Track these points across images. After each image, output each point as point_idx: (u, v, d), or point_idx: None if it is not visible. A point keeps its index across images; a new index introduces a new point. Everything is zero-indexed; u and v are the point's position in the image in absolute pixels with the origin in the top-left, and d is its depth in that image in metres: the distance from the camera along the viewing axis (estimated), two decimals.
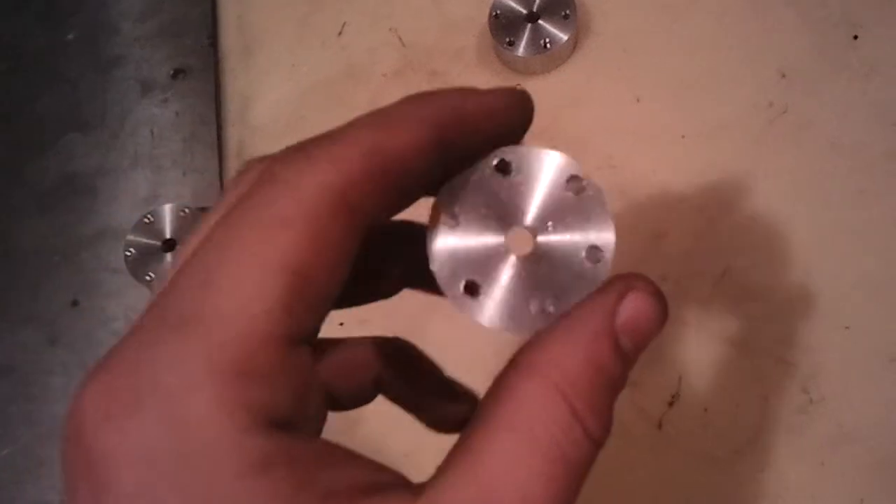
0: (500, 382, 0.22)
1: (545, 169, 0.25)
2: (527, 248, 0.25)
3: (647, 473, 0.47)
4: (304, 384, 0.21)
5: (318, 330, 0.22)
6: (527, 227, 0.25)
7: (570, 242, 0.25)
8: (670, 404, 0.48)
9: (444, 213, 0.25)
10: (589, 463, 0.22)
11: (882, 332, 0.48)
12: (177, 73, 0.60)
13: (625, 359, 0.23)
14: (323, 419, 0.23)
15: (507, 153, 0.25)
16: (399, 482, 0.21)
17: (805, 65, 0.54)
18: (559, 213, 0.25)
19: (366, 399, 0.29)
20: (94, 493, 0.19)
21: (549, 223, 0.25)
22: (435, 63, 0.58)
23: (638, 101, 0.55)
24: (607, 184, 0.52)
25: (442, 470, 0.21)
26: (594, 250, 0.25)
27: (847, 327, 0.48)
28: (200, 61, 0.60)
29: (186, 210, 0.54)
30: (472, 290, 0.25)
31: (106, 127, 0.59)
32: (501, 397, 0.22)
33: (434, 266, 0.25)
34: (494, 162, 0.25)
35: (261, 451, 0.19)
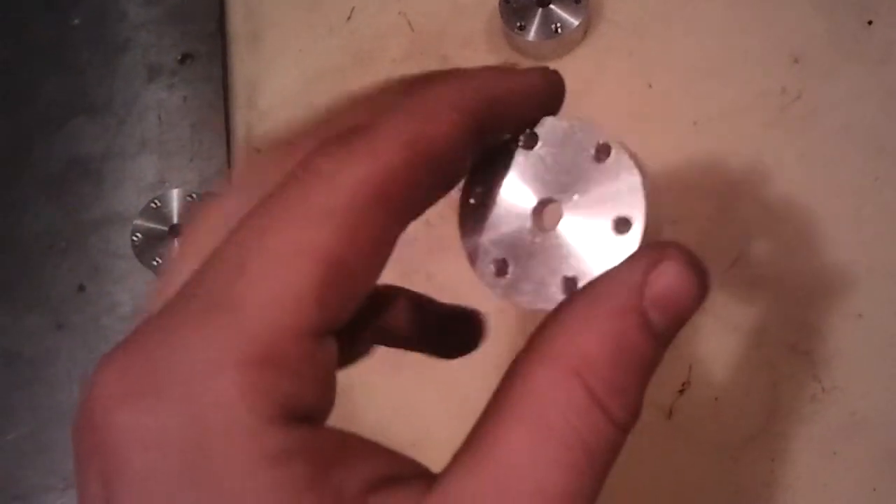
0: (515, 368, 0.21)
1: (572, 138, 0.24)
2: (554, 223, 0.24)
3: (657, 462, 0.47)
4: (328, 376, 0.20)
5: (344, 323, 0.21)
6: (553, 201, 0.24)
7: (598, 214, 0.23)
8: (681, 392, 0.48)
9: (472, 191, 0.25)
10: (614, 449, 0.21)
11: (894, 319, 0.47)
12: (184, 59, 0.60)
13: (657, 337, 0.21)
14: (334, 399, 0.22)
15: (535, 126, 0.25)
16: (415, 472, 0.20)
17: (818, 50, 0.53)
18: (586, 183, 0.24)
19: (363, 353, 0.28)
20: (104, 477, 0.18)
21: (576, 195, 0.24)
22: (445, 48, 0.58)
23: (650, 86, 0.54)
24: None
25: (455, 460, 0.20)
26: (622, 221, 0.23)
27: (860, 315, 0.48)
28: (208, 46, 0.59)
29: (193, 195, 0.53)
30: (501, 268, 0.24)
31: (113, 112, 0.59)
32: (515, 384, 0.21)
33: (464, 245, 0.24)
34: (522, 137, 0.25)
35: (280, 443, 0.18)
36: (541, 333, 0.21)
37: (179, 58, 0.60)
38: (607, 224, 0.23)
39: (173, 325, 0.19)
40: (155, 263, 0.52)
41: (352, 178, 0.20)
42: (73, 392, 0.53)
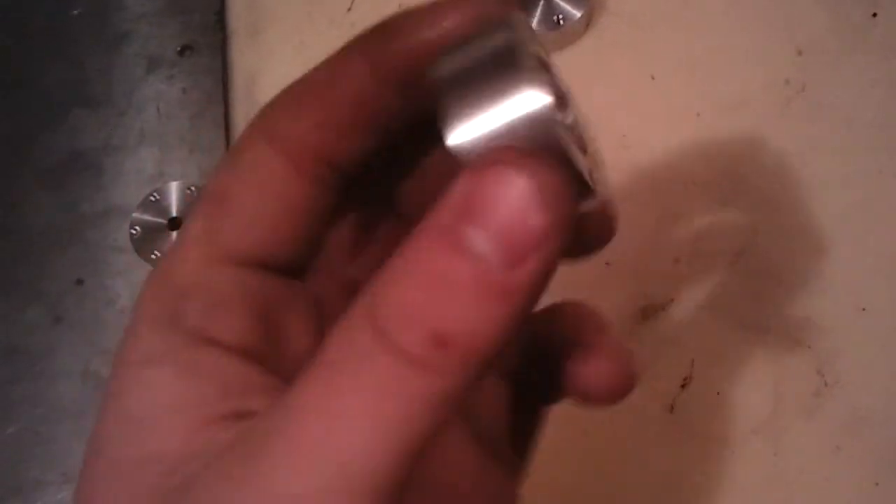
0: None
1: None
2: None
3: (658, 457, 0.47)
4: (231, 299, 0.22)
5: (276, 252, 0.23)
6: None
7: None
8: (683, 387, 0.48)
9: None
10: (421, 392, 0.17)
11: None
12: (184, 50, 0.59)
13: (474, 255, 0.17)
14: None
15: None
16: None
17: (823, 42, 0.53)
18: None
19: None
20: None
21: None
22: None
23: (652, 78, 0.54)
24: (621, 163, 0.51)
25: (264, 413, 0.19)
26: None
27: (864, 309, 0.47)
28: (208, 38, 0.59)
29: (193, 188, 0.53)
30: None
31: (112, 104, 0.58)
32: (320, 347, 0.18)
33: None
34: None
35: (150, 347, 0.21)
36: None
37: (179, 49, 0.59)
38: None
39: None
40: (154, 257, 0.52)
41: (246, 133, 0.23)
42: (72, 385, 0.52)
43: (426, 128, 0.21)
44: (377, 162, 0.24)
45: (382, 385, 0.17)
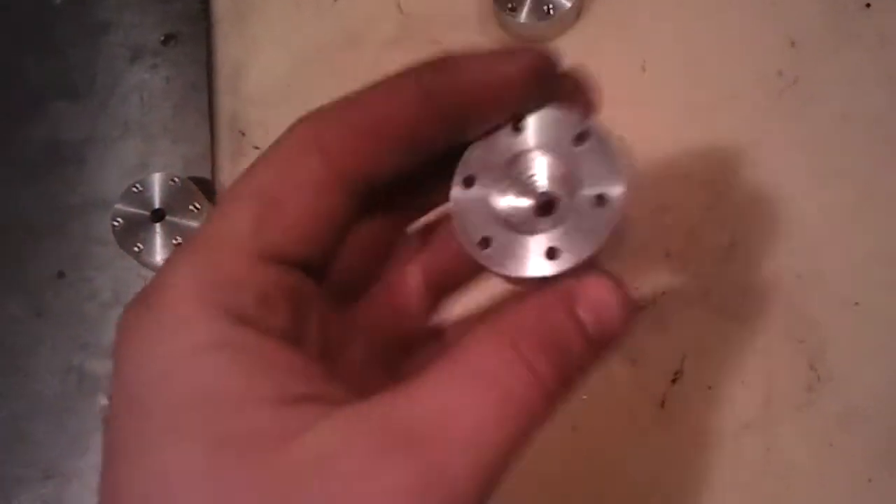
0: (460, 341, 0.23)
1: (555, 126, 0.26)
2: (536, 204, 0.26)
3: (649, 452, 0.46)
4: (275, 294, 0.23)
5: (309, 254, 0.25)
6: (537, 184, 0.26)
7: (579, 194, 0.25)
8: (673, 382, 0.47)
9: (461, 174, 0.26)
10: (538, 407, 0.22)
11: (893, 308, 0.47)
12: (167, 39, 0.58)
13: (587, 337, 0.23)
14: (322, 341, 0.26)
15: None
16: (334, 397, 0.22)
17: (816, 33, 0.52)
18: (568, 168, 0.25)
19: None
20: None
21: (559, 179, 0.26)
22: (434, 31, 0.56)
23: (643, 70, 0.53)
24: None
25: (393, 392, 0.22)
26: (601, 198, 0.24)
27: (857, 303, 0.47)
28: (192, 27, 0.58)
29: (176, 179, 0.52)
30: (486, 243, 0.26)
31: (94, 94, 0.57)
32: (458, 346, 0.22)
33: (453, 221, 0.26)
34: (508, 125, 0.26)
35: (217, 334, 0.22)
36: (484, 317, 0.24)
37: (162, 39, 0.58)
38: (587, 201, 0.25)
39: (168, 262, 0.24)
40: (136, 249, 0.51)
41: (290, 137, 0.25)
42: (53, 380, 0.51)
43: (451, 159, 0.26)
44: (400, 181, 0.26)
45: (512, 387, 0.21)
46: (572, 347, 0.23)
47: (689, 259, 0.49)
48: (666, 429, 0.46)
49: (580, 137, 0.25)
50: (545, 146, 0.26)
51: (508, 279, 0.25)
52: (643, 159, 0.51)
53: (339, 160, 0.24)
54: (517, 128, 0.26)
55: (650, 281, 0.49)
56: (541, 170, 0.26)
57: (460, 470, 0.20)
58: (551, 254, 0.24)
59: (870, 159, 0.49)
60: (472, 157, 0.26)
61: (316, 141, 0.24)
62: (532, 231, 0.25)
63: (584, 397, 0.46)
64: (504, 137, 0.26)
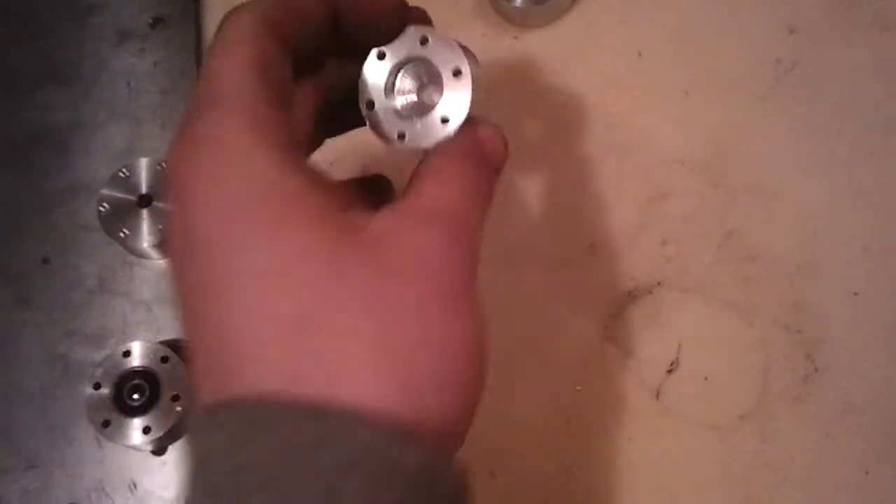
0: (426, 162, 0.33)
1: (403, 42, 0.36)
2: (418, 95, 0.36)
3: (644, 444, 0.45)
4: (288, 101, 0.32)
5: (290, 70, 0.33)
6: (413, 84, 0.36)
7: (443, 75, 0.35)
8: (669, 372, 0.46)
9: (362, 101, 0.36)
10: (486, 191, 0.33)
11: (891, 298, 0.46)
12: (155, 23, 0.57)
13: (488, 163, 0.35)
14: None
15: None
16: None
17: (814, 20, 0.51)
18: (427, 65, 0.36)
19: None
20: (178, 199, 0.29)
21: (425, 74, 0.36)
22: (429, 12, 0.55)
23: (640, 55, 0.52)
24: (607, 143, 0.50)
25: (399, 196, 0.32)
26: (457, 72, 0.34)
27: (855, 293, 0.46)
28: (180, 10, 0.57)
29: (163, 164, 0.51)
30: (402, 137, 0.35)
31: (80, 78, 0.56)
32: (425, 174, 0.33)
33: (372, 131, 0.36)
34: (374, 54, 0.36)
35: (283, 139, 0.30)
36: (440, 154, 0.34)
37: (150, 22, 0.57)
38: (449, 75, 0.34)
39: (195, 115, 0.31)
40: (122, 235, 0.50)
41: (253, 18, 0.32)
42: (37, 368, 0.50)
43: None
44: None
45: (474, 180, 0.33)
46: (488, 162, 0.35)
47: (686, 247, 0.48)
48: (661, 420, 0.46)
49: (423, 41, 0.35)
50: (406, 59, 0.35)
51: (421, 149, 0.35)
52: (639, 146, 0.50)
53: (288, 42, 0.33)
54: (380, 55, 0.36)
55: (646, 269, 0.48)
56: (411, 73, 0.36)
57: (467, 222, 0.31)
58: (444, 120, 0.34)
59: (868, 147, 0.49)
60: (367, 85, 0.36)
61: (270, 26, 0.32)
62: (424, 112, 0.35)
63: (578, 388, 0.46)
64: (375, 63, 0.36)
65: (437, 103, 0.35)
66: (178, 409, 0.47)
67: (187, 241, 0.28)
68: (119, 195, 0.51)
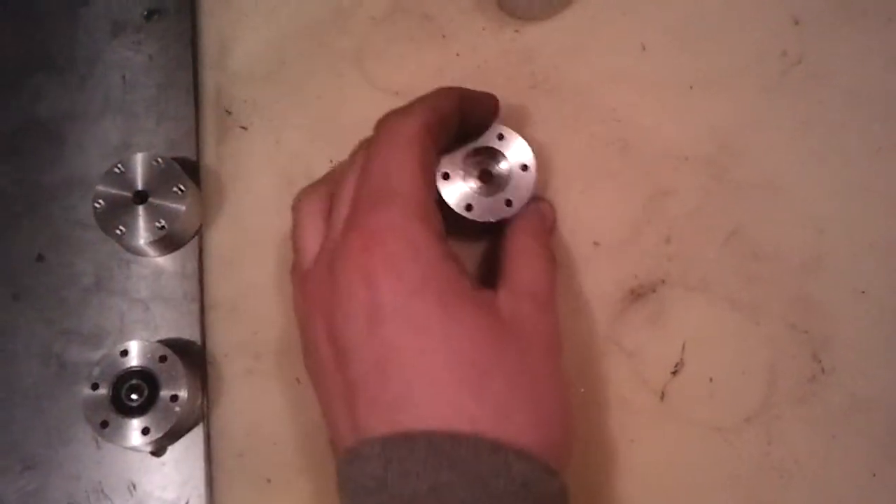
0: (514, 250, 0.44)
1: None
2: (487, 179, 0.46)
3: (649, 446, 0.45)
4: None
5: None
6: (487, 168, 0.46)
7: (511, 166, 0.46)
8: (673, 373, 0.46)
9: (439, 172, 0.45)
10: (552, 262, 0.44)
11: None
12: (151, 14, 0.56)
13: (551, 227, 0.48)
14: None
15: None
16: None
17: (820, 11, 0.51)
18: (499, 156, 0.47)
19: None
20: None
21: (496, 163, 0.47)
22: (427, 6, 0.54)
23: (643, 49, 0.51)
24: (609, 138, 0.49)
25: (500, 283, 0.41)
26: (524, 166, 0.46)
27: (863, 291, 0.46)
28: (176, 1, 0.56)
29: (160, 160, 0.50)
30: (469, 208, 0.45)
31: (74, 71, 0.55)
32: (509, 256, 0.43)
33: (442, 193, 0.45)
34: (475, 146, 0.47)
35: (440, 233, 0.39)
36: (514, 231, 0.45)
37: (146, 13, 0.56)
38: (517, 168, 0.46)
39: (368, 209, 0.39)
40: (118, 232, 0.49)
41: (417, 123, 0.40)
42: (32, 367, 0.50)
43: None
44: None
45: (549, 252, 0.45)
46: (550, 231, 0.47)
47: (689, 246, 0.48)
48: (665, 422, 0.45)
49: (500, 137, 0.46)
50: (484, 148, 0.46)
51: (487, 223, 0.45)
52: (643, 141, 0.50)
53: (438, 143, 0.43)
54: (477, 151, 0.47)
55: (649, 268, 0.47)
56: (484, 160, 0.46)
57: (553, 296, 0.42)
58: (508, 203, 0.45)
59: (876, 141, 0.48)
60: (444, 160, 0.45)
61: (431, 128, 0.41)
62: (492, 194, 0.45)
63: (582, 390, 0.45)
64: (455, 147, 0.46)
65: (504, 188, 0.45)
66: (177, 409, 0.46)
67: (376, 310, 0.36)
68: (114, 191, 0.50)
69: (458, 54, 0.53)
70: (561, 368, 0.40)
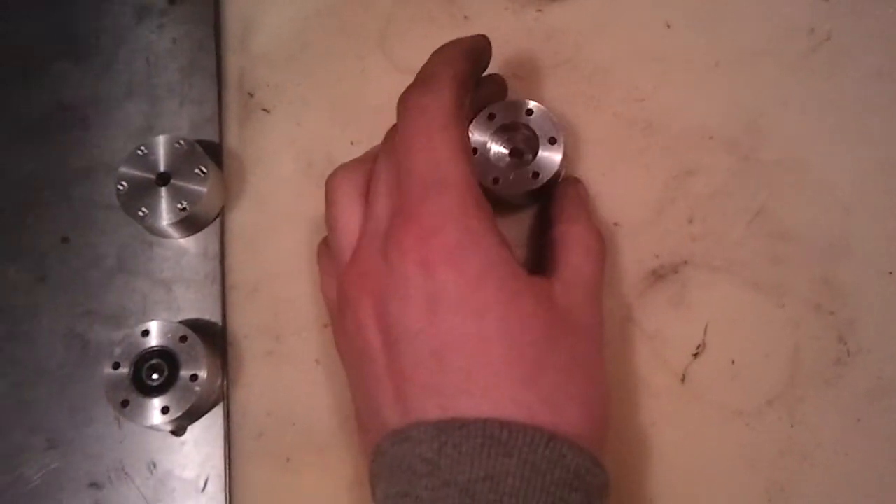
0: (561, 238, 0.43)
1: (511, 109, 0.47)
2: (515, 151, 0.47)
3: (669, 428, 0.44)
4: None
5: None
6: (513, 141, 0.47)
7: (540, 140, 0.46)
8: (695, 356, 0.45)
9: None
10: (602, 242, 0.44)
11: None
12: None
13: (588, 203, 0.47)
14: None
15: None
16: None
17: None
18: (527, 129, 0.47)
19: None
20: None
21: (524, 137, 0.47)
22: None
23: (668, 26, 0.51)
24: (633, 117, 0.48)
25: (551, 272, 0.41)
26: (553, 140, 0.46)
27: (890, 272, 0.45)
28: None
29: (182, 142, 0.50)
30: (496, 181, 0.46)
31: (99, 55, 0.55)
32: (565, 247, 0.43)
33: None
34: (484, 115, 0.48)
35: (493, 217, 0.39)
36: (562, 220, 0.44)
37: None
38: (545, 142, 0.46)
39: (420, 197, 0.38)
40: (141, 214, 0.49)
41: (445, 95, 0.40)
42: (56, 347, 0.50)
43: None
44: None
45: (601, 245, 0.44)
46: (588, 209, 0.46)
47: (713, 226, 0.47)
48: (687, 404, 0.44)
49: (528, 112, 0.46)
50: (512, 123, 0.47)
51: (516, 194, 0.46)
52: (667, 121, 0.49)
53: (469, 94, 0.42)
54: (490, 116, 0.47)
55: (671, 249, 0.47)
56: (512, 134, 0.47)
57: (601, 288, 0.42)
58: (535, 175, 0.45)
59: None
60: (471, 137, 0.46)
61: (459, 89, 0.41)
62: (520, 167, 0.46)
63: None
64: (484, 120, 0.47)
65: (531, 162, 0.45)
66: (197, 388, 0.46)
67: (436, 300, 0.36)
68: (137, 173, 0.50)
69: None
70: (604, 359, 0.41)
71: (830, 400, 0.43)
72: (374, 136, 0.46)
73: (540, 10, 0.52)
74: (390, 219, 0.39)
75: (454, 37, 0.44)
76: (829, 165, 0.47)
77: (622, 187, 0.48)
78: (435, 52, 0.43)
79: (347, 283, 0.40)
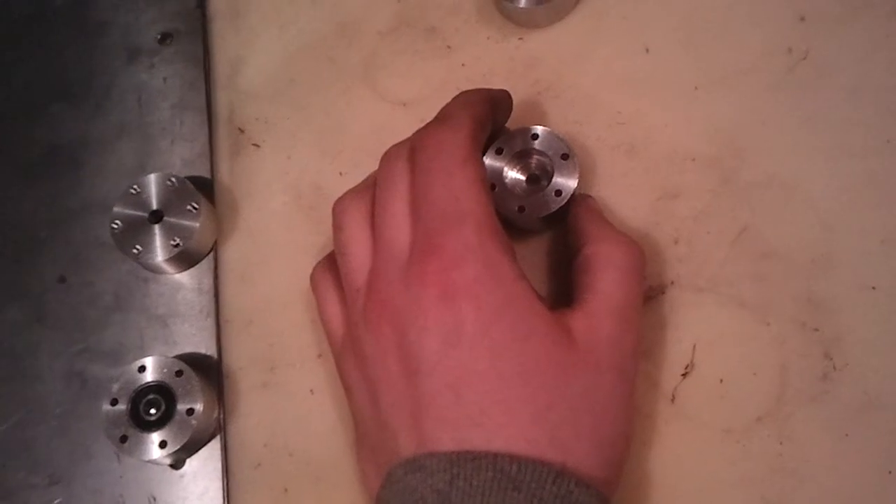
0: (585, 263, 0.43)
1: (514, 139, 0.48)
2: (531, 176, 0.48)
3: (660, 448, 0.45)
4: None
5: None
6: (528, 168, 0.48)
7: (554, 159, 0.47)
8: (684, 375, 0.46)
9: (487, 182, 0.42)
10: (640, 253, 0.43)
11: None
12: (164, 38, 0.57)
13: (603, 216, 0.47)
14: None
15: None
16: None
17: (825, 6, 0.50)
18: (538, 154, 0.48)
19: None
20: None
21: (536, 163, 0.48)
22: (432, 18, 0.55)
23: (647, 51, 0.51)
24: (615, 142, 0.49)
25: (578, 300, 0.41)
26: (565, 156, 0.47)
27: (873, 287, 0.45)
28: (188, 25, 0.57)
29: (173, 179, 0.51)
30: (522, 209, 0.46)
31: (91, 96, 0.56)
32: (589, 270, 0.42)
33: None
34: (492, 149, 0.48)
35: (512, 250, 0.40)
36: (590, 244, 0.43)
37: (159, 37, 0.57)
38: (558, 159, 0.47)
39: (442, 231, 0.39)
40: (136, 251, 0.50)
41: (471, 125, 0.42)
42: (56, 386, 0.51)
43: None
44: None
45: (621, 258, 0.43)
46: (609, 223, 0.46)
47: (698, 246, 0.47)
48: (677, 424, 0.45)
49: (533, 137, 0.47)
50: (521, 151, 0.47)
51: (539, 218, 0.46)
52: (649, 144, 0.50)
53: (482, 148, 0.43)
54: (499, 151, 0.48)
55: (658, 270, 0.47)
56: (525, 161, 0.48)
57: (638, 312, 0.42)
58: (558, 193, 0.46)
59: (884, 135, 0.47)
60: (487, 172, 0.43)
61: (476, 133, 0.42)
62: (538, 190, 0.47)
63: None
64: (493, 155, 0.48)
65: (550, 182, 0.46)
66: (193, 422, 0.47)
67: (455, 333, 0.37)
68: (131, 212, 0.51)
69: (463, 64, 0.54)
70: (633, 390, 0.41)
71: (818, 416, 0.44)
72: (361, 166, 0.47)
73: (521, 39, 0.53)
74: (410, 248, 0.39)
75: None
76: (810, 182, 0.47)
77: (607, 211, 0.49)
78: (455, 97, 0.44)
79: (367, 309, 0.41)
